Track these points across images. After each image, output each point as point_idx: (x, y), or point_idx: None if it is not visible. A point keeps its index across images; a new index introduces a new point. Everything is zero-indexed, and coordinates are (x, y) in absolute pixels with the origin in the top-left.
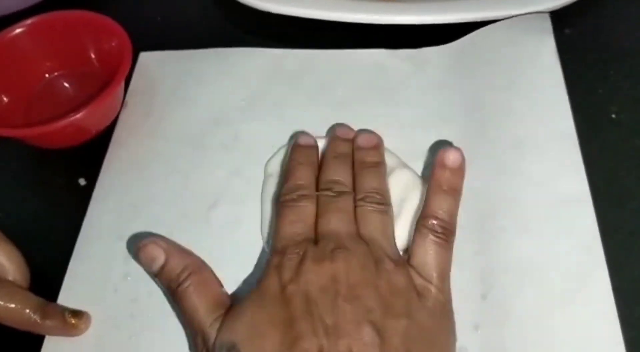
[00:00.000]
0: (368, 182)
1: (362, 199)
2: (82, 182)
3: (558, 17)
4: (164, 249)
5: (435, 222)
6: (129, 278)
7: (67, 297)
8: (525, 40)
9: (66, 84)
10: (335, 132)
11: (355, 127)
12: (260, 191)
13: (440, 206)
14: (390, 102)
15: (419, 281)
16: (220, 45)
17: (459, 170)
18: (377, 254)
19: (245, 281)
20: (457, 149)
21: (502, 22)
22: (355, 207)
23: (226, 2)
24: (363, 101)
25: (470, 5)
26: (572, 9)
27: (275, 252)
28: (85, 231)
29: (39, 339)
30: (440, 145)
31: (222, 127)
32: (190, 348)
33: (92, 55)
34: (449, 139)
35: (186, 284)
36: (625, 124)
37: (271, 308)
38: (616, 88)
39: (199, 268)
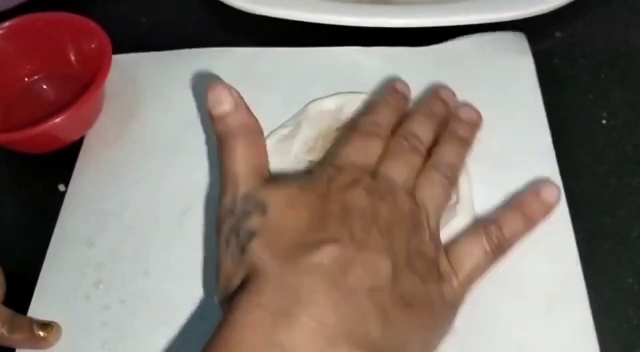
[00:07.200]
0: (448, 153)
1: (433, 167)
2: (61, 188)
3: (549, 20)
4: (234, 98)
5: (496, 231)
6: (100, 286)
7: (38, 306)
8: (505, 58)
9: (46, 87)
10: (438, 91)
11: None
12: None
13: (510, 224)
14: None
15: (445, 266)
16: (205, 46)
17: (548, 207)
18: (420, 219)
19: None
20: (557, 187)
21: (480, 36)
22: (422, 168)
23: (212, 2)
24: None
25: (453, 7)
26: (563, 12)
27: (330, 165)
28: (56, 237)
29: None
30: None
31: (196, 130)
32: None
33: (72, 58)
34: None
35: (239, 139)
36: (616, 130)
37: (312, 197)
38: (607, 93)
39: (257, 132)
